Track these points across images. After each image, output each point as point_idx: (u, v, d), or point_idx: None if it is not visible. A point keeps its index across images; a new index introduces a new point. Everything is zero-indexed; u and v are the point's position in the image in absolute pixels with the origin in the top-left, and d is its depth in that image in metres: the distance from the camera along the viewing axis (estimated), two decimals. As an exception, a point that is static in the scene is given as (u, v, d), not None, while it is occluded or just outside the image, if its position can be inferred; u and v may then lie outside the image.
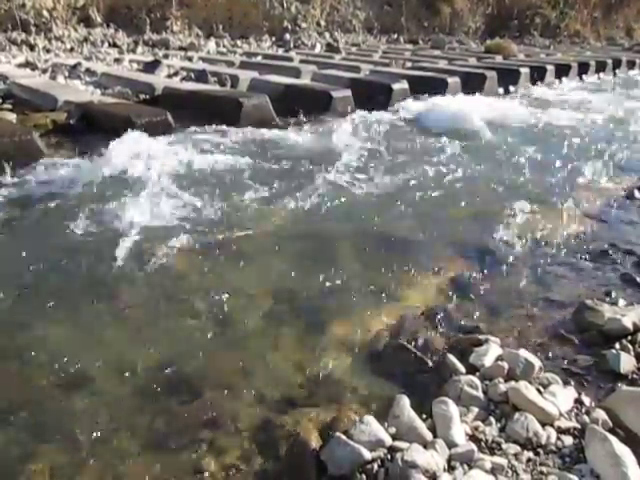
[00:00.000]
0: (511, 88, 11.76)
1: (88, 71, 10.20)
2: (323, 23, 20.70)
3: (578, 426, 2.20)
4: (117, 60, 12.70)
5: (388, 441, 2.09)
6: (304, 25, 19.88)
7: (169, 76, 10.40)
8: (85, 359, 2.63)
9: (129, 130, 5.82)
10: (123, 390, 2.46)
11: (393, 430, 2.17)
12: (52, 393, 2.44)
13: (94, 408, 2.35)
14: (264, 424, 2.30)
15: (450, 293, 3.37)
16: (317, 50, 17.54)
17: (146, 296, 3.23)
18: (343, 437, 2.09)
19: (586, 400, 2.38)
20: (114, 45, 15.33)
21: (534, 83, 12.75)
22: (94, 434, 2.21)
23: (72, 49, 14.30)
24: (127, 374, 2.56)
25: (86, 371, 2.56)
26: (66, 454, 2.13)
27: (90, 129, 6.64)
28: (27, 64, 11.31)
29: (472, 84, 10.68)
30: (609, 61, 16.90)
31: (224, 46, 16.93)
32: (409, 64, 13.65)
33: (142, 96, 8.48)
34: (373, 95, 9.17)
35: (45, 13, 15.15)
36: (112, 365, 2.61)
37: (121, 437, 2.21)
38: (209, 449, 2.17)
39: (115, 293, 3.23)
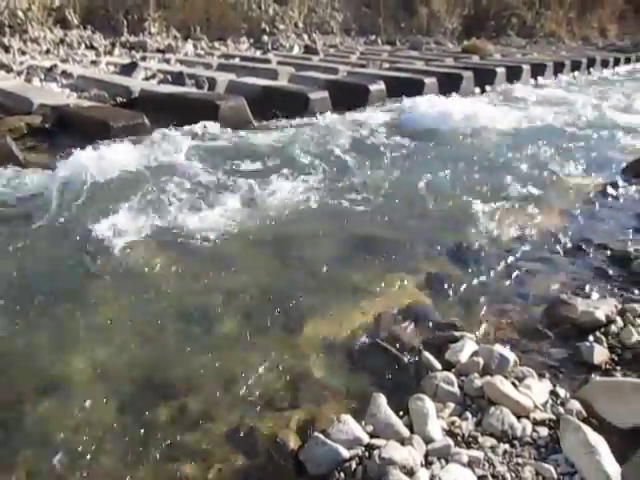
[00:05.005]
0: (487, 88, 11.90)
1: (64, 73, 10.07)
2: (301, 25, 20.72)
3: (553, 417, 2.24)
4: (94, 62, 12.56)
5: (365, 439, 2.11)
6: (282, 27, 19.88)
7: (146, 79, 10.31)
8: (62, 365, 2.61)
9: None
10: (101, 395, 2.44)
11: (370, 428, 2.18)
12: (31, 399, 2.41)
13: (73, 414, 2.32)
14: (243, 426, 2.30)
15: (426, 291, 3.40)
16: (295, 52, 17.54)
17: (124, 301, 3.20)
18: (321, 437, 2.10)
19: (561, 392, 2.42)
20: (91, 47, 15.17)
21: (510, 82, 12.90)
22: (72, 440, 2.19)
23: (48, 51, 14.10)
24: (105, 380, 2.53)
25: (64, 377, 2.53)
26: (45, 461, 2.11)
27: (66, 133, 6.56)
28: (1, 66, 11.13)
29: (449, 84, 10.77)
30: (584, 60, 17.19)
31: (202, 48, 16.85)
32: (386, 65, 13.73)
33: (119, 99, 8.39)
34: (350, 96, 9.20)
35: (20, 14, 14.92)
36: (90, 371, 2.59)
37: (100, 442, 2.19)
38: (188, 452, 2.17)
39: (93, 299, 3.19)
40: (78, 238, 3.90)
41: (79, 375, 2.55)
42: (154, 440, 2.21)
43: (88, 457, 2.13)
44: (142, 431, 2.25)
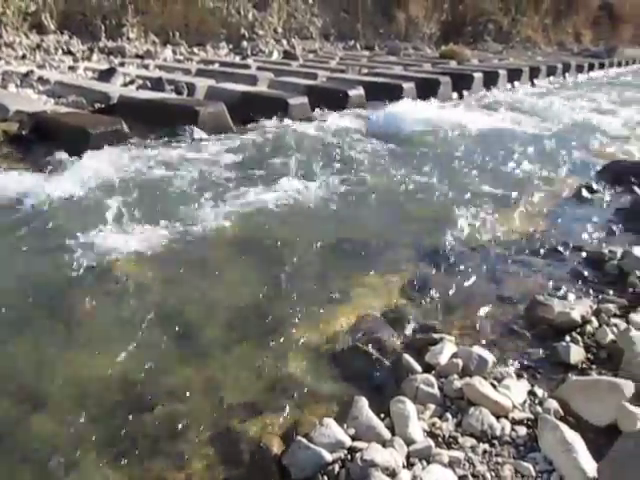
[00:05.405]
0: (465, 92, 12.06)
1: (41, 79, 9.95)
2: (280, 30, 20.75)
3: (531, 416, 2.29)
4: (71, 68, 12.43)
5: (348, 442, 2.13)
6: (261, 32, 19.90)
7: (125, 84, 10.24)
8: (44, 375, 2.59)
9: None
10: (83, 405, 2.42)
11: (352, 431, 2.20)
12: (11, 411, 2.38)
13: (54, 425, 2.30)
14: (226, 432, 2.30)
15: (407, 294, 3.43)
16: (274, 57, 17.57)
17: (104, 309, 3.18)
18: (304, 441, 2.11)
19: (539, 391, 2.47)
20: (68, 52, 14.99)
21: (487, 87, 13.09)
22: (54, 451, 2.17)
23: (24, 56, 13.90)
24: (87, 388, 2.52)
25: (45, 387, 2.51)
26: (27, 472, 2.09)
27: (43, 140, 6.48)
28: (-25, 73, 10.95)
29: (427, 89, 10.90)
30: (559, 65, 17.55)
31: (181, 54, 16.78)
32: (365, 70, 13.83)
33: (97, 105, 8.32)
34: (329, 102, 9.25)
35: (-6, 18, 14.69)
36: (71, 380, 2.57)
37: (83, 452, 2.17)
38: (172, 459, 2.17)
39: (73, 308, 3.16)
40: (57, 249, 3.84)
41: (62, 385, 2.53)
42: (138, 447, 2.20)
43: (69, 467, 2.11)
44: (125, 438, 2.24)
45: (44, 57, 14.00)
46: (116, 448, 2.20)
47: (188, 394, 2.50)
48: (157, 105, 7.85)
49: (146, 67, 13.23)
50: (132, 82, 10.38)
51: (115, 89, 9.10)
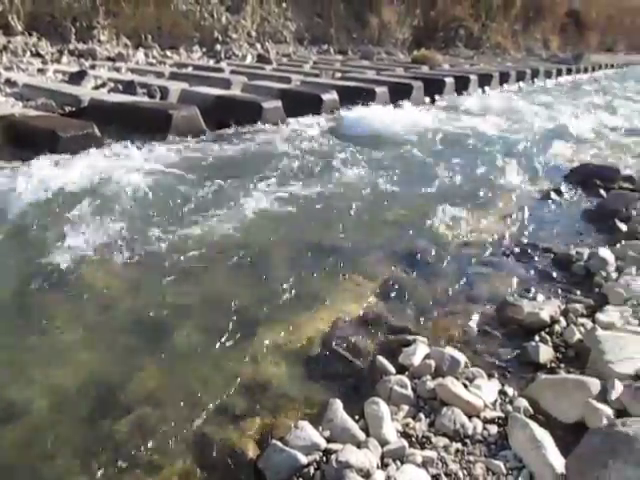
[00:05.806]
0: (437, 97, 12.23)
1: (8, 82, 9.75)
2: (254, 34, 20.70)
3: (502, 415, 2.33)
4: (40, 70, 12.21)
5: (323, 444, 2.14)
6: (235, 36, 19.81)
7: (96, 87, 10.10)
8: (15, 384, 2.54)
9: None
10: (55, 413, 2.39)
11: (327, 433, 2.22)
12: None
13: (27, 433, 2.27)
14: (200, 437, 2.29)
15: (380, 296, 3.47)
16: (248, 61, 17.53)
17: (77, 315, 3.14)
18: (279, 444, 2.12)
19: (509, 390, 2.52)
20: (37, 55, 14.70)
21: (459, 92, 13.29)
22: (27, 460, 2.15)
23: (-10, 58, 13.61)
24: (58, 396, 2.48)
25: (16, 396, 2.46)
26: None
27: (11, 144, 6.35)
28: (-60, 76, 10.68)
29: (399, 94, 11.02)
30: (528, 71, 17.94)
31: (153, 57, 16.61)
32: (339, 74, 13.91)
33: (67, 108, 8.19)
34: (303, 105, 9.29)
35: (-42, 20, 14.34)
36: (43, 388, 2.53)
37: (55, 462, 2.14)
38: (145, 466, 2.15)
39: (45, 313, 3.11)
40: (27, 253, 3.79)
41: (31, 392, 2.49)
42: (111, 454, 2.18)
43: (45, 474, 2.08)
44: (99, 445, 2.22)
45: (11, 59, 13.70)
46: (90, 455, 2.17)
47: (163, 399, 2.49)
48: (129, 108, 7.75)
49: (118, 70, 13.07)
50: (103, 85, 10.24)
51: (86, 92, 8.97)
